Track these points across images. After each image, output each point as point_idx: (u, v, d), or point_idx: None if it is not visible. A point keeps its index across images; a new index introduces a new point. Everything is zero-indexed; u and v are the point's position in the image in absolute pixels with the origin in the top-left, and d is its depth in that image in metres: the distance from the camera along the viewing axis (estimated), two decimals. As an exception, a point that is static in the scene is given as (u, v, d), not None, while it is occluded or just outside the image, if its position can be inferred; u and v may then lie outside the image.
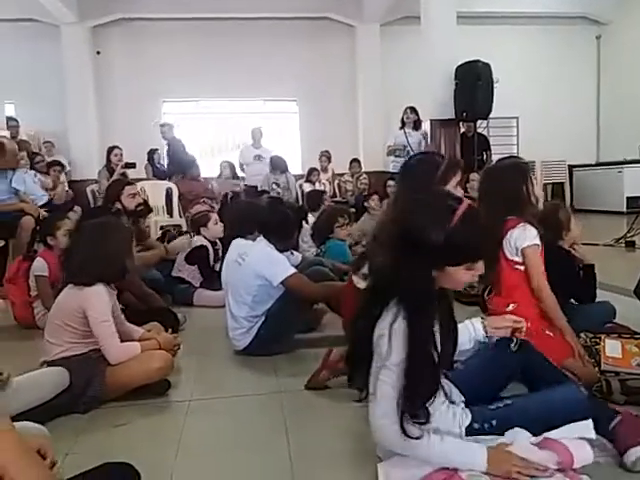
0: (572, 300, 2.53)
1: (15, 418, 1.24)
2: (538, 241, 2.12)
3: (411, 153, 6.88)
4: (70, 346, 2.09)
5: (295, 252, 3.31)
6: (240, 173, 7.96)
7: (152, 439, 1.84)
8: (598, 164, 10.19)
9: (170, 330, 2.56)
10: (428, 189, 1.89)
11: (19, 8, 8.02)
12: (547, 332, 2.08)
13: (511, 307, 2.09)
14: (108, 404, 2.08)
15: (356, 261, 2.13)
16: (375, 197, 6.27)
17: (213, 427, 1.93)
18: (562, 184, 9.75)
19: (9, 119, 6.91)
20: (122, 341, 2.16)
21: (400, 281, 1.30)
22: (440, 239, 1.25)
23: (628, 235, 5.54)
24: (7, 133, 6.19)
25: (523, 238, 2.10)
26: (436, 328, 1.34)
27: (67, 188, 6.92)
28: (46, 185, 5.87)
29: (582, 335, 2.29)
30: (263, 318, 2.59)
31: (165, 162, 7.75)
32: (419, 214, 1.32)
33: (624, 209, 8.51)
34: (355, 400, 1.50)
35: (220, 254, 3.91)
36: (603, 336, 2.18)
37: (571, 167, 9.91)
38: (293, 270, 2.58)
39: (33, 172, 5.62)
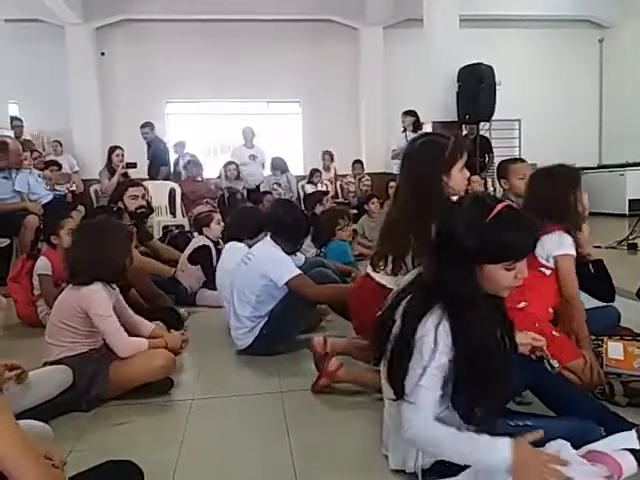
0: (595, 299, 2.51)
1: (20, 416, 1.25)
2: (573, 251, 2.08)
3: None
4: (71, 346, 2.10)
5: (298, 253, 3.32)
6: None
7: (155, 438, 1.84)
8: (600, 167, 10.17)
9: (174, 330, 2.56)
10: (435, 174, 1.86)
11: (23, 9, 8.05)
12: (554, 332, 2.08)
13: (522, 304, 2.08)
14: (111, 402, 2.09)
15: (372, 258, 2.09)
16: (375, 200, 6.30)
17: (215, 426, 1.94)
18: (564, 186, 9.74)
19: (13, 119, 6.93)
20: (129, 335, 2.16)
21: (443, 280, 1.29)
22: (474, 235, 1.25)
23: (630, 237, 5.54)
24: (11, 133, 6.19)
25: (558, 245, 2.07)
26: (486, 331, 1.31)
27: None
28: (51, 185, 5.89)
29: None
30: (266, 319, 2.59)
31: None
32: (456, 212, 1.32)
33: (626, 212, 8.50)
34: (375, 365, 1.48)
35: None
36: (605, 338, 2.18)
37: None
38: (298, 271, 2.59)
39: (37, 172, 5.64)
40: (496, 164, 8.47)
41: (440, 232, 1.33)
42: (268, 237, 2.73)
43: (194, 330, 3.13)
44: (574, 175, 2.21)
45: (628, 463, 1.28)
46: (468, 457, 1.23)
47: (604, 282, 2.45)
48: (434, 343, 1.25)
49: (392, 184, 6.85)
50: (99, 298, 2.09)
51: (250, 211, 3.62)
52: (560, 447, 1.28)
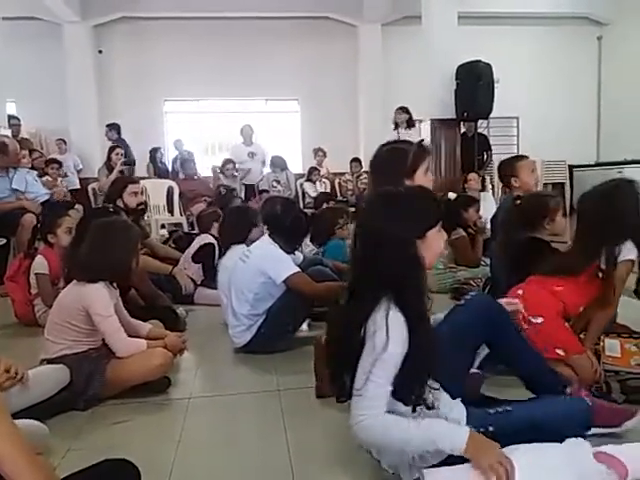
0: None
1: (16, 415, 1.25)
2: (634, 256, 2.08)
3: None
4: (71, 344, 2.10)
5: (296, 251, 3.32)
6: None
7: (152, 436, 1.85)
8: (598, 164, 10.17)
9: (175, 331, 2.57)
10: (398, 178, 1.90)
11: (21, 6, 8.02)
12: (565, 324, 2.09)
13: (540, 320, 2.06)
14: (108, 402, 2.09)
15: None
16: None
17: (213, 425, 1.94)
18: (562, 184, 9.75)
19: (11, 117, 6.91)
20: (129, 336, 2.17)
21: (384, 269, 1.32)
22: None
23: (628, 235, 5.54)
24: (8, 132, 6.18)
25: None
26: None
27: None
28: (48, 185, 5.88)
29: (581, 335, 2.30)
30: (264, 317, 2.60)
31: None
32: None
33: (624, 209, 8.49)
34: (339, 400, 1.47)
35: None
36: (602, 335, 2.19)
37: (571, 167, 9.90)
38: (296, 269, 2.59)
39: (35, 171, 5.63)
40: (495, 162, 8.50)
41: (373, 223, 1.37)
42: (266, 236, 2.73)
43: (192, 329, 3.14)
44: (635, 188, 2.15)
45: (637, 465, 1.29)
46: (428, 444, 1.26)
47: None
48: (386, 334, 1.26)
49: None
50: (101, 297, 2.10)
51: (239, 213, 3.60)
52: (577, 445, 1.31)
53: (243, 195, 7.26)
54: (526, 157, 3.15)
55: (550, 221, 2.49)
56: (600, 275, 2.11)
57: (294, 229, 2.75)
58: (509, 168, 3.05)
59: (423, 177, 1.96)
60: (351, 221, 3.85)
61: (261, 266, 2.59)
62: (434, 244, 1.39)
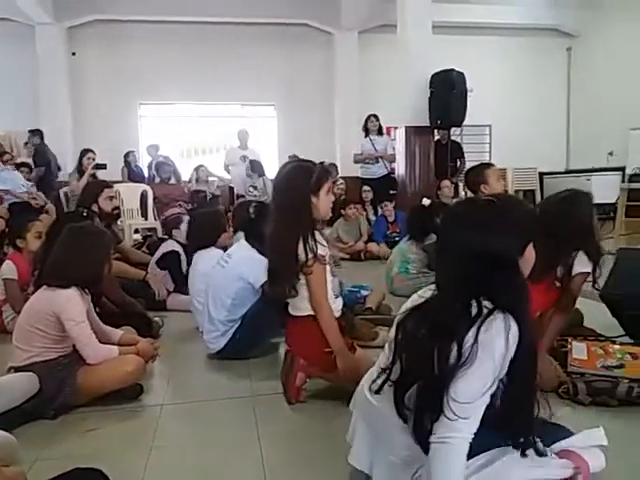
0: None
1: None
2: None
3: (379, 160, 7.03)
4: (40, 351, 2.06)
5: None
6: (226, 175, 7.96)
7: (124, 444, 1.82)
8: (568, 172, 10.45)
9: (148, 337, 2.54)
10: (303, 196, 1.96)
11: (-8, 7, 7.88)
12: None
13: None
14: (79, 409, 2.06)
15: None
16: (352, 206, 6.44)
17: (185, 431, 1.93)
18: (533, 191, 9.97)
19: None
20: (100, 342, 2.14)
21: (496, 285, 1.21)
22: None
23: (596, 241, 5.68)
24: (-22, 134, 6.06)
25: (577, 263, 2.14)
26: None
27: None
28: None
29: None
30: (239, 322, 2.59)
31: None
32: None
33: (593, 216, 8.72)
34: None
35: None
36: (570, 339, 2.25)
37: (542, 174, 10.14)
38: None
39: (8, 167, 5.57)
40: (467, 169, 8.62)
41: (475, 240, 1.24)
42: (243, 240, 2.73)
43: (165, 335, 3.11)
44: (589, 198, 2.29)
45: (597, 462, 1.32)
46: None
47: None
48: (505, 348, 1.15)
49: (365, 188, 6.94)
50: (74, 303, 2.07)
51: (208, 217, 3.59)
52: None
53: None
54: (493, 165, 3.26)
55: None
56: (557, 284, 2.18)
57: (258, 226, 2.76)
58: (479, 176, 3.12)
59: (325, 196, 2.01)
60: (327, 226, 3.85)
61: (240, 271, 2.59)
62: (530, 258, 1.31)
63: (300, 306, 2.03)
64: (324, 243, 1.99)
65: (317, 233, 1.98)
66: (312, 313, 2.00)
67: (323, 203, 2.01)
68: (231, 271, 2.62)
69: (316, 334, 1.97)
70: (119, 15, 8.73)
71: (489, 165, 3.25)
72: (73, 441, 1.84)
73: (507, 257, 1.23)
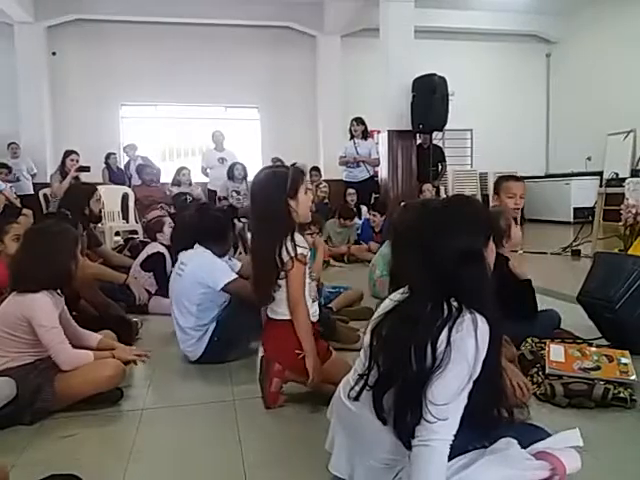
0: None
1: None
2: None
3: (361, 163, 7.07)
4: (16, 356, 2.03)
5: (233, 259, 3.31)
6: (204, 178, 7.91)
7: (102, 450, 1.81)
8: (547, 176, 10.62)
9: (127, 343, 2.52)
10: (281, 202, 1.97)
11: (-31, 6, 7.74)
12: None
13: None
14: (57, 415, 2.03)
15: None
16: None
17: (166, 436, 1.91)
18: (514, 195, 10.10)
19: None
20: (74, 347, 2.11)
21: (464, 281, 1.23)
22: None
23: (574, 244, 5.80)
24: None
25: None
26: None
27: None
28: None
29: (529, 340, 2.40)
30: (213, 325, 2.57)
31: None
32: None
33: (571, 219, 8.90)
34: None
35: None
36: (548, 341, 2.29)
37: (522, 178, 10.27)
38: (234, 275, 2.59)
39: None
40: (449, 173, 8.72)
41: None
42: (197, 245, 2.73)
43: (146, 339, 3.08)
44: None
45: (573, 462, 1.33)
46: None
47: (529, 302, 2.53)
48: (476, 347, 1.17)
49: (350, 191, 6.96)
50: (44, 307, 2.03)
51: (184, 220, 3.57)
52: (508, 445, 1.31)
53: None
54: (517, 180, 3.12)
55: (507, 238, 2.54)
56: None
57: (215, 231, 2.76)
58: (496, 184, 3.11)
59: (304, 197, 2.04)
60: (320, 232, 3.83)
61: (198, 276, 2.57)
62: (492, 250, 1.37)
63: (278, 310, 2.03)
64: (304, 244, 2.00)
65: (297, 234, 1.99)
66: (290, 318, 2.01)
67: (302, 205, 2.03)
68: (189, 278, 2.61)
69: (292, 338, 1.98)
70: (100, 15, 8.64)
71: (508, 178, 3.13)
72: (51, 447, 1.81)
73: (476, 251, 1.27)
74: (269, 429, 1.92)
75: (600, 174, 8.29)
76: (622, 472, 1.58)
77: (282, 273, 1.95)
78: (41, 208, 6.41)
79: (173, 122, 9.64)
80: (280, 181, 2.00)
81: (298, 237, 1.99)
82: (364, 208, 6.98)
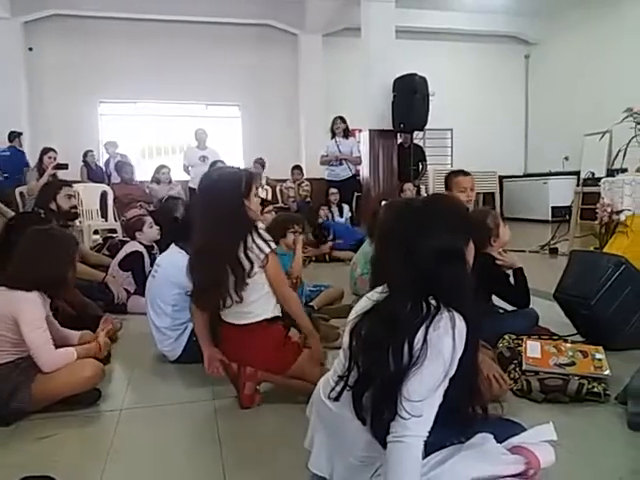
0: (509, 306, 2.64)
1: None
2: None
3: (343, 162, 7.09)
4: (-3, 354, 2.00)
5: None
6: (185, 176, 7.84)
7: (80, 451, 1.79)
8: (526, 175, 10.78)
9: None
10: (239, 202, 1.98)
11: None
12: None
13: None
14: (34, 415, 2.00)
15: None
16: (325, 208, 6.55)
17: (144, 437, 1.90)
18: (493, 194, 10.22)
19: None
20: (57, 347, 2.08)
21: (443, 280, 1.24)
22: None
23: (552, 242, 5.89)
24: None
25: None
26: None
27: None
28: None
29: (506, 337, 2.43)
30: (191, 325, 2.51)
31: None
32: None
33: (549, 218, 9.05)
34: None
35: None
36: (525, 338, 2.32)
37: (501, 178, 10.42)
38: None
39: None
40: (430, 172, 8.79)
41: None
42: (173, 245, 2.71)
43: (125, 338, 3.05)
44: None
45: (547, 456, 1.35)
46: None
47: (522, 291, 2.59)
48: (453, 346, 1.18)
49: (332, 190, 6.98)
50: (33, 307, 2.02)
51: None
52: (484, 440, 1.33)
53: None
54: (465, 174, 3.19)
55: (495, 237, 2.58)
56: None
57: (184, 227, 2.68)
58: (446, 180, 3.16)
59: (254, 198, 2.07)
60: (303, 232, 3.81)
61: (172, 277, 2.55)
62: (472, 249, 1.37)
63: (251, 311, 1.99)
64: (268, 237, 2.00)
65: (260, 229, 2.00)
66: (265, 317, 2.00)
67: (254, 205, 2.06)
68: (163, 279, 2.60)
69: (268, 339, 1.98)
70: (78, 10, 8.51)
71: (457, 173, 3.19)
72: (27, 448, 1.78)
73: (456, 250, 1.28)
74: (248, 428, 1.92)
75: (577, 174, 8.43)
76: (596, 465, 1.61)
77: (253, 271, 1.93)
78: (17, 206, 6.30)
79: (153, 120, 9.55)
80: (237, 181, 2.01)
81: (262, 231, 2.00)
82: (346, 207, 7.01)
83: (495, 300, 2.67)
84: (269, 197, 7.84)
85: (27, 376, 1.99)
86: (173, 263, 2.60)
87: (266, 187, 8.08)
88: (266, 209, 5.38)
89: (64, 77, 8.75)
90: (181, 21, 8.99)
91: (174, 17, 8.87)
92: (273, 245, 2.00)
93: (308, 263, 5.22)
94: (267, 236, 2.01)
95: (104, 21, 8.79)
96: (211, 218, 2.00)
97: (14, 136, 7.40)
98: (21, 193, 6.54)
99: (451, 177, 3.15)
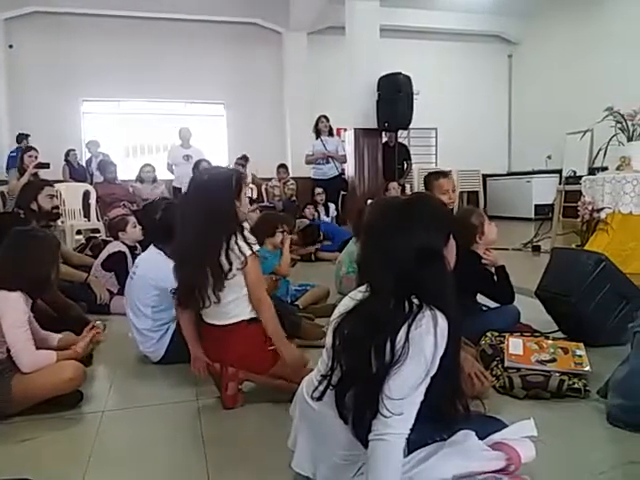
0: (493, 302, 2.67)
1: None
2: None
3: (330, 161, 7.10)
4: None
5: None
6: (169, 175, 7.78)
7: (61, 453, 1.76)
8: (509, 174, 10.90)
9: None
10: (230, 201, 1.96)
11: None
12: None
13: None
14: (14, 418, 1.97)
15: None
16: (311, 207, 6.57)
17: (127, 438, 1.88)
18: (477, 192, 10.32)
19: None
20: (37, 349, 2.06)
21: (425, 281, 1.24)
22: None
23: (534, 240, 5.96)
24: None
25: None
26: None
27: None
28: None
29: (488, 334, 2.45)
30: (174, 325, 2.52)
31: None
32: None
33: (532, 216, 9.15)
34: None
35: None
36: (507, 335, 2.34)
37: (485, 176, 10.52)
38: None
39: None
40: (414, 171, 8.82)
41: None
42: (152, 245, 2.69)
43: (108, 339, 3.00)
44: None
45: (528, 452, 1.37)
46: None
47: (506, 288, 2.62)
48: (434, 345, 1.19)
49: (317, 190, 6.98)
50: (16, 307, 2.00)
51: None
52: (465, 437, 1.34)
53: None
54: (445, 176, 3.15)
55: (481, 235, 2.60)
56: None
57: (163, 228, 2.60)
58: (426, 182, 3.15)
59: (244, 198, 2.06)
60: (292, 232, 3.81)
61: (151, 279, 2.53)
62: (452, 248, 1.37)
63: (230, 312, 1.98)
64: (252, 239, 1.99)
65: (245, 230, 1.98)
66: (243, 318, 1.99)
67: (244, 204, 2.05)
68: (141, 281, 2.58)
69: (251, 337, 1.97)
70: (60, 7, 8.39)
71: (438, 176, 3.15)
72: (7, 452, 1.76)
73: (435, 250, 1.28)
74: (231, 428, 1.91)
75: (559, 172, 8.55)
76: (577, 460, 1.63)
77: (231, 273, 1.91)
78: (-2, 206, 6.21)
79: (137, 118, 9.46)
80: (228, 181, 2.00)
81: (246, 232, 1.98)
82: (332, 206, 7.02)
83: (479, 297, 2.69)
84: (254, 195, 7.81)
85: (5, 378, 1.96)
86: (151, 264, 2.58)
87: (251, 186, 8.05)
88: (251, 207, 5.39)
89: (46, 75, 8.63)
90: (166, 19, 8.91)
91: (159, 15, 8.80)
92: (256, 247, 1.98)
93: (295, 264, 5.21)
94: (251, 238, 1.98)
95: (86, 18, 8.68)
96: (201, 218, 1.96)
97: (22, 138, 7.43)
98: (1, 193, 6.45)
99: (431, 180, 3.13)
